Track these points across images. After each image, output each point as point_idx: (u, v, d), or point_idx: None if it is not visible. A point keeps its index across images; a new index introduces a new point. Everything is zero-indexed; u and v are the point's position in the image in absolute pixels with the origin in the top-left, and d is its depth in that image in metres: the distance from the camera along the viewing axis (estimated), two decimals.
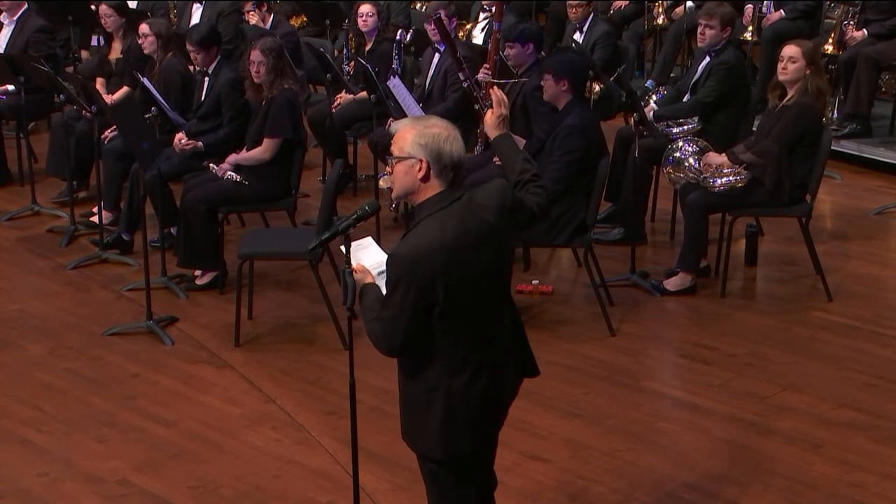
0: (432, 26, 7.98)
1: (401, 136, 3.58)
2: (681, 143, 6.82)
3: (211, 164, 6.94)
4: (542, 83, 6.56)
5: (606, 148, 6.57)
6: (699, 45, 7.66)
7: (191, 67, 7.72)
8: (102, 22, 8.63)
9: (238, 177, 6.81)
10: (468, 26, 10.53)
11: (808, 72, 6.55)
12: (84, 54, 10.17)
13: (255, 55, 6.85)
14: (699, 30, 7.51)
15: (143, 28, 7.80)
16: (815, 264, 6.85)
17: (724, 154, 6.73)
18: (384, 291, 3.59)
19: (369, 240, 3.92)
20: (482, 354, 3.60)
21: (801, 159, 6.63)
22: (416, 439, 3.70)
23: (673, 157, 6.79)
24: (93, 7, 9.60)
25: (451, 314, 3.51)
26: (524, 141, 6.78)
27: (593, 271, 6.50)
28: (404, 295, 3.47)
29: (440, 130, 3.55)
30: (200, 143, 7.26)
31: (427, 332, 3.53)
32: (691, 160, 6.72)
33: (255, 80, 6.90)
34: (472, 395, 3.60)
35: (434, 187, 3.55)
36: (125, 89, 8.41)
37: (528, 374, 3.90)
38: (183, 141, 7.23)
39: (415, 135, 3.55)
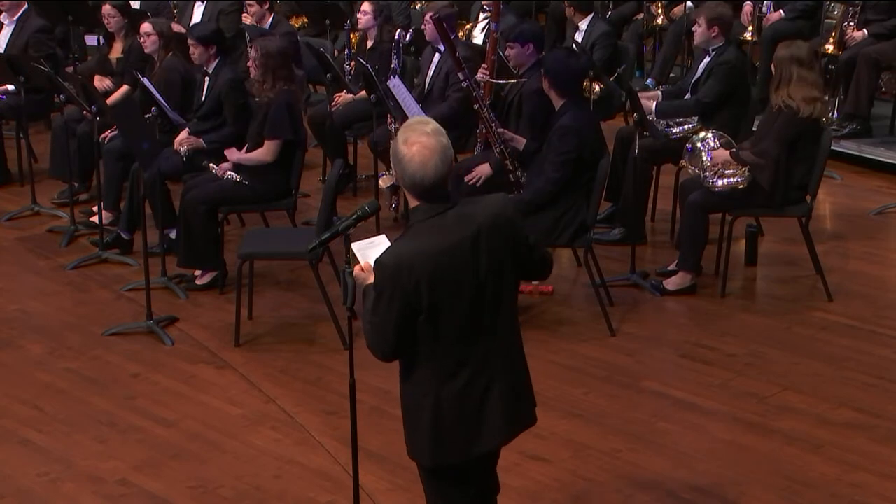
0: (432, 26, 7.97)
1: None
2: (710, 135, 6.80)
3: (211, 164, 6.94)
4: None
5: (606, 148, 6.57)
6: (695, 43, 7.72)
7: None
8: (105, 22, 8.62)
9: (238, 177, 6.81)
10: (468, 26, 10.52)
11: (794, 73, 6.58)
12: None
13: (251, 51, 6.93)
14: (693, 28, 7.58)
15: (146, 27, 7.79)
16: (815, 264, 6.84)
17: (729, 150, 6.74)
18: None
19: (383, 237, 3.78)
20: (475, 366, 3.55)
21: (800, 159, 6.63)
22: (410, 444, 3.68)
23: (693, 146, 6.77)
24: (90, 3, 9.60)
25: (439, 322, 3.47)
26: (524, 141, 6.79)
27: (593, 271, 6.50)
28: (389, 302, 3.44)
29: (414, 150, 3.44)
30: (201, 140, 7.26)
31: (417, 338, 3.49)
32: (705, 155, 6.71)
33: (251, 76, 6.94)
34: (461, 404, 3.56)
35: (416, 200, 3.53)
36: (124, 88, 8.41)
37: (526, 422, 3.76)
38: (183, 136, 7.23)
39: (392, 148, 3.53)
